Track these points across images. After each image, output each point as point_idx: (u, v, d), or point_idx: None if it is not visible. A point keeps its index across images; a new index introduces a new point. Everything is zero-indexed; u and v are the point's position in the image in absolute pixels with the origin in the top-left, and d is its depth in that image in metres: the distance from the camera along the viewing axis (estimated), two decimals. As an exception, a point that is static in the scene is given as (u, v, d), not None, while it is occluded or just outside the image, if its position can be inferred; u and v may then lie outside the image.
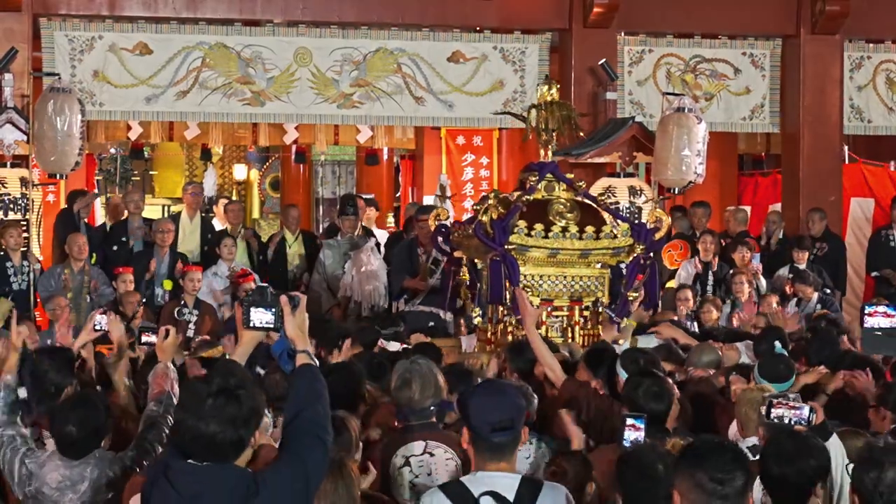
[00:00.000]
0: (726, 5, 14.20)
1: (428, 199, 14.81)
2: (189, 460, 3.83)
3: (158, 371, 5.57)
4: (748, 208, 15.31)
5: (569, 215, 8.70)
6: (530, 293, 8.57)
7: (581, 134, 10.58)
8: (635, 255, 8.80)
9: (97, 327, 6.60)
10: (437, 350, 7.35)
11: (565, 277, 8.76)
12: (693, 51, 14.45)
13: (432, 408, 5.69)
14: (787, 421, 5.35)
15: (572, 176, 9.22)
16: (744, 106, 14.59)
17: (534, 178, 8.96)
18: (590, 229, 8.65)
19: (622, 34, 14.15)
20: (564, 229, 8.64)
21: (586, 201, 9.00)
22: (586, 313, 8.74)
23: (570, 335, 8.67)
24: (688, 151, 12.66)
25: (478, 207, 9.15)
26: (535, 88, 13.67)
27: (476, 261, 9.11)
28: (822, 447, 4.71)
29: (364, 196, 15.07)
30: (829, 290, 12.99)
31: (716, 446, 3.89)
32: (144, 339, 6.20)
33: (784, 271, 13.27)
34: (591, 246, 8.65)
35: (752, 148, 16.59)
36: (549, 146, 9.13)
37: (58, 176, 12.34)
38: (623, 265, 9.16)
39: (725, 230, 14.10)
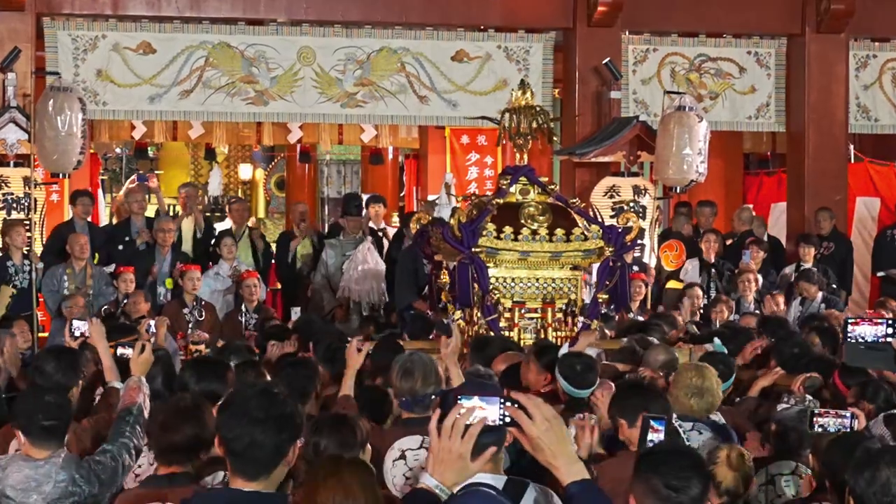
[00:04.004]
0: (731, 4, 14.16)
1: (433, 199, 14.80)
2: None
3: (131, 384, 5.52)
4: (751, 206, 15.30)
5: (540, 218, 8.75)
6: (502, 295, 8.61)
7: (555, 138, 10.53)
8: (605, 257, 8.83)
9: (76, 333, 6.53)
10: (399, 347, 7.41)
11: (537, 280, 8.82)
12: (698, 50, 14.41)
13: (433, 396, 5.80)
14: (832, 429, 5.43)
15: (546, 179, 9.24)
16: (749, 105, 14.54)
17: (505, 182, 8.99)
18: (559, 232, 8.71)
19: (626, 33, 14.12)
20: (534, 232, 8.67)
21: (559, 204, 9.00)
22: (559, 315, 8.75)
23: (542, 336, 8.69)
24: (689, 150, 12.64)
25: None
26: (539, 88, 13.73)
27: (452, 264, 9.15)
28: None
29: (366, 195, 15.06)
30: (835, 286, 13.02)
31: (674, 451, 3.84)
32: (120, 351, 6.08)
33: (790, 270, 13.26)
34: (562, 248, 8.70)
35: (757, 147, 16.56)
36: (524, 150, 9.12)
37: (60, 175, 12.35)
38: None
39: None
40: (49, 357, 6.14)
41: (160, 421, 5.02)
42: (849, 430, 5.44)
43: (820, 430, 5.50)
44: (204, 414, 5.00)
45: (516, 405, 3.38)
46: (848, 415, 5.56)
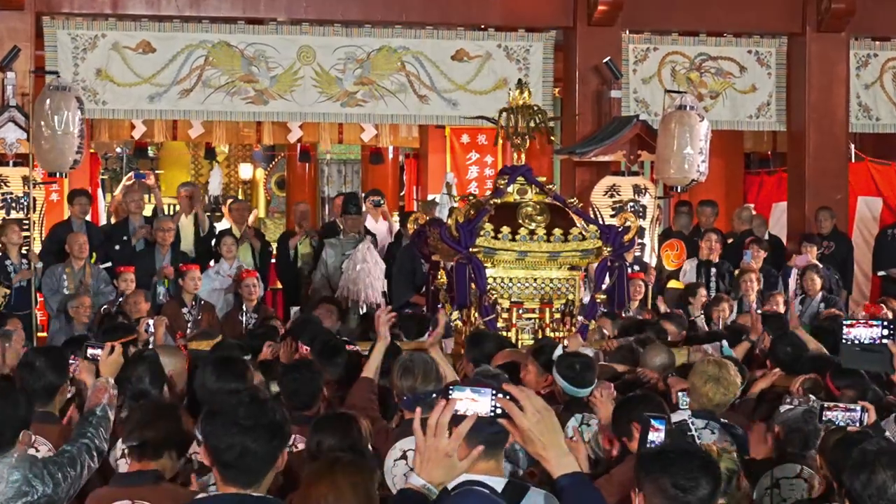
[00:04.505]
0: (731, 4, 14.13)
1: (433, 198, 14.77)
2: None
3: (98, 385, 5.43)
4: (752, 205, 15.28)
5: (538, 218, 8.73)
6: (500, 295, 8.59)
7: (553, 138, 10.49)
8: (603, 257, 8.80)
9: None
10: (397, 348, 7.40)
11: (535, 280, 8.80)
12: (698, 49, 14.39)
13: (434, 395, 5.73)
14: (840, 423, 5.41)
15: (544, 179, 9.21)
16: (750, 104, 14.52)
17: (503, 182, 8.96)
18: (557, 232, 8.68)
19: (627, 32, 14.09)
20: (532, 232, 8.64)
21: (557, 204, 8.98)
22: (557, 315, 8.72)
23: (541, 337, 8.66)
24: (690, 150, 12.61)
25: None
26: (540, 87, 13.70)
27: (450, 264, 9.12)
28: None
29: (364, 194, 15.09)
30: (839, 282, 13.01)
31: (684, 452, 3.82)
32: (90, 352, 5.99)
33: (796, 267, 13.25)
34: (559, 248, 8.67)
35: (758, 146, 16.54)
36: (522, 150, 9.10)
37: (58, 174, 12.32)
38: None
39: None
40: (37, 355, 6.05)
41: (135, 417, 5.03)
42: (858, 423, 5.42)
43: (829, 424, 5.47)
44: (179, 414, 5.00)
45: (508, 397, 3.34)
46: (858, 408, 5.52)
